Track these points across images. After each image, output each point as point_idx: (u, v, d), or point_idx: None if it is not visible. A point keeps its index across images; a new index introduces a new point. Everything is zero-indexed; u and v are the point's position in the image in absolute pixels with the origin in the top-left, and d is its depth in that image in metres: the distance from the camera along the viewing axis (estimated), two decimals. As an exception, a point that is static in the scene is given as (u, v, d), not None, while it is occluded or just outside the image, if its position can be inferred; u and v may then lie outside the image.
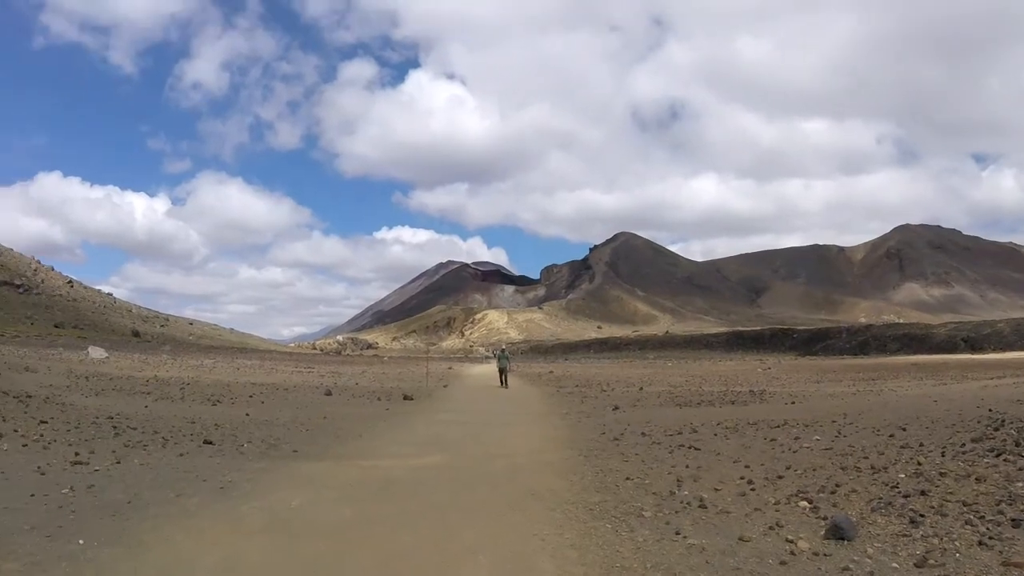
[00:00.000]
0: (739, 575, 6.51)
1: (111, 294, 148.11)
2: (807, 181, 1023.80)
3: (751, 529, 7.80)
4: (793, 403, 23.44)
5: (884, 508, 8.20)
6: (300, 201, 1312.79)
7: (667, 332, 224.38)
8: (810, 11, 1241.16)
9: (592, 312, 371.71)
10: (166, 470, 10.96)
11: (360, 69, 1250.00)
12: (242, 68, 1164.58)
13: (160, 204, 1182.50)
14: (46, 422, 14.74)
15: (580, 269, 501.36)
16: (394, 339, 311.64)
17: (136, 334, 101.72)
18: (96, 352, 51.36)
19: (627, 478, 10.67)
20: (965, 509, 7.85)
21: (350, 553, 7.24)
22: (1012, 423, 12.42)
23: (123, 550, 7.01)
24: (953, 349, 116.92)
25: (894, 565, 6.55)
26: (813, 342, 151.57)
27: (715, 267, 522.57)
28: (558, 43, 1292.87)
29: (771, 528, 7.80)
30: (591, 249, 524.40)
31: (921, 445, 11.46)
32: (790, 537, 7.41)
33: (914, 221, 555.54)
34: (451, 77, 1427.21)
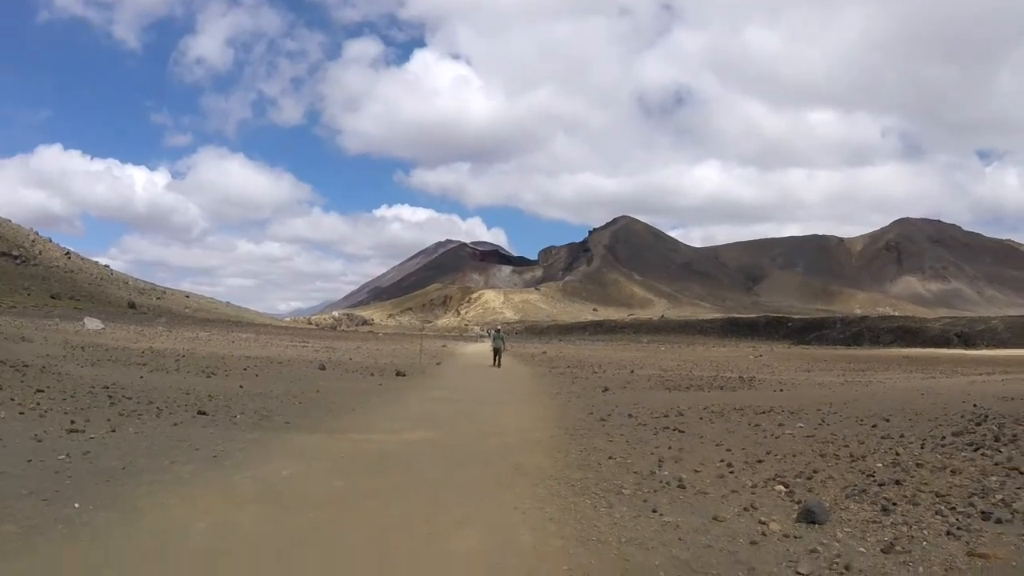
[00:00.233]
0: (710, 552, 6.69)
1: (108, 266, 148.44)
2: (811, 171, 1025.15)
3: (726, 510, 8.00)
4: (781, 390, 23.68)
5: (858, 495, 8.38)
6: (301, 177, 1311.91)
7: (662, 317, 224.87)
8: (821, 5, 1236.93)
9: (589, 295, 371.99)
10: (160, 439, 11.13)
11: (365, 47, 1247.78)
12: (246, 44, 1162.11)
13: (160, 178, 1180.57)
14: (42, 391, 14.91)
15: (579, 251, 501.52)
16: (390, 316, 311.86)
17: (132, 306, 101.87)
18: (92, 323, 51.58)
19: (610, 457, 10.88)
20: (937, 500, 8.03)
21: (341, 523, 7.42)
22: (994, 419, 12.62)
23: (118, 515, 7.19)
24: (946, 344, 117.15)
25: (861, 549, 6.71)
26: (807, 331, 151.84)
27: (714, 254, 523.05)
28: (567, 27, 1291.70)
29: (745, 509, 8.00)
30: (591, 232, 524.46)
31: (902, 436, 11.65)
32: (763, 519, 7.60)
33: (915, 215, 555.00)
34: (457, 57, 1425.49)
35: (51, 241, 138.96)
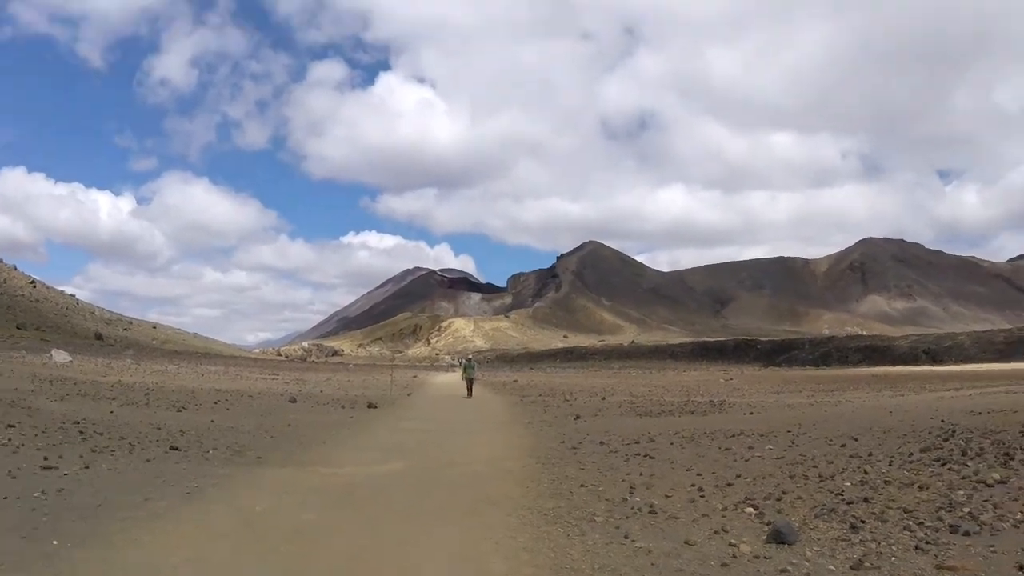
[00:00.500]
0: (682, 575, 6.85)
1: (74, 295, 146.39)
2: (773, 193, 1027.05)
3: (697, 533, 8.13)
4: (751, 413, 23.80)
5: (827, 514, 8.54)
6: (266, 203, 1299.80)
7: (632, 342, 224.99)
8: (780, 24, 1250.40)
9: (558, 321, 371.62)
10: (133, 475, 11.13)
11: (330, 70, 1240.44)
12: (211, 65, 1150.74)
13: (125, 203, 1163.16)
14: (13, 426, 14.78)
15: (547, 278, 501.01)
16: (360, 346, 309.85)
17: (99, 337, 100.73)
18: (60, 355, 51.04)
19: (582, 485, 10.98)
20: (905, 515, 8.22)
21: (313, 554, 7.49)
22: (962, 433, 12.86)
23: (96, 551, 7.23)
24: (915, 361, 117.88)
25: (831, 567, 6.86)
26: (776, 353, 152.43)
27: (680, 278, 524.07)
28: (530, 50, 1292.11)
29: (716, 533, 8.13)
30: (558, 258, 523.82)
31: (870, 455, 11.86)
32: (733, 541, 7.74)
33: (878, 234, 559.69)
34: (422, 81, 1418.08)
35: (16, 269, 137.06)
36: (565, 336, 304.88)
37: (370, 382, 52.50)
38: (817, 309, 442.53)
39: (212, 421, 19.53)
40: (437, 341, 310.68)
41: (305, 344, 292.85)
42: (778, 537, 7.66)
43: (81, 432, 15.11)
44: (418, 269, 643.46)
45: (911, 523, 7.94)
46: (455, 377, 55.53)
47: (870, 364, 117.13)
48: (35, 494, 9.28)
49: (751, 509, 9.06)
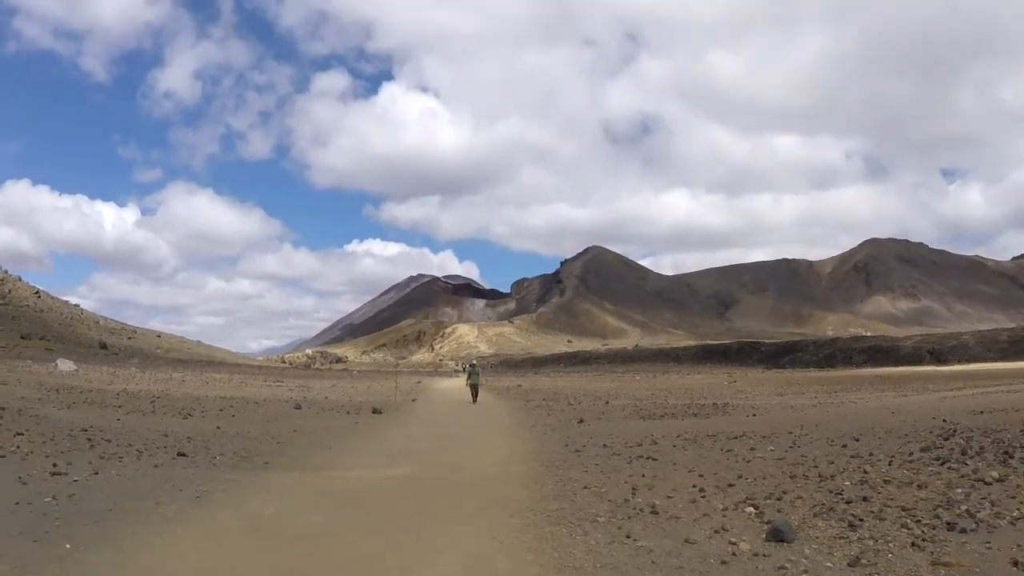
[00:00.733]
0: (682, 573, 6.93)
1: (78, 305, 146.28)
2: (777, 196, 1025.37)
3: (698, 533, 8.23)
4: (754, 415, 23.90)
5: (826, 513, 8.65)
6: (271, 212, 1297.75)
7: (636, 346, 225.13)
8: (782, 26, 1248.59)
9: (562, 326, 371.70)
10: (143, 481, 11.23)
11: (333, 80, 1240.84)
12: (215, 77, 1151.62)
13: (129, 214, 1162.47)
14: (22, 434, 14.90)
15: (551, 283, 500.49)
16: (364, 353, 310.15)
17: (104, 346, 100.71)
18: (65, 364, 51.18)
19: (585, 487, 11.08)
20: (903, 514, 8.32)
21: (322, 556, 7.61)
22: (963, 432, 13.00)
23: (108, 554, 7.33)
24: (919, 361, 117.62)
25: (828, 564, 6.96)
26: (780, 355, 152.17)
27: (685, 281, 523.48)
28: (533, 57, 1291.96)
29: (716, 532, 8.23)
30: (562, 263, 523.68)
31: (871, 454, 11.98)
32: (733, 540, 7.84)
33: (882, 235, 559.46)
34: (425, 90, 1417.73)
35: (20, 280, 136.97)
36: (569, 341, 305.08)
37: (375, 388, 52.58)
38: (821, 311, 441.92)
39: (218, 427, 19.65)
40: (441, 347, 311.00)
41: (309, 351, 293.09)
42: (777, 535, 7.77)
43: (89, 439, 15.22)
44: (422, 276, 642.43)
45: (909, 521, 8.04)
46: (459, 383, 55.41)
47: (874, 365, 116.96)
48: (46, 499, 9.37)
49: (751, 509, 9.17)
